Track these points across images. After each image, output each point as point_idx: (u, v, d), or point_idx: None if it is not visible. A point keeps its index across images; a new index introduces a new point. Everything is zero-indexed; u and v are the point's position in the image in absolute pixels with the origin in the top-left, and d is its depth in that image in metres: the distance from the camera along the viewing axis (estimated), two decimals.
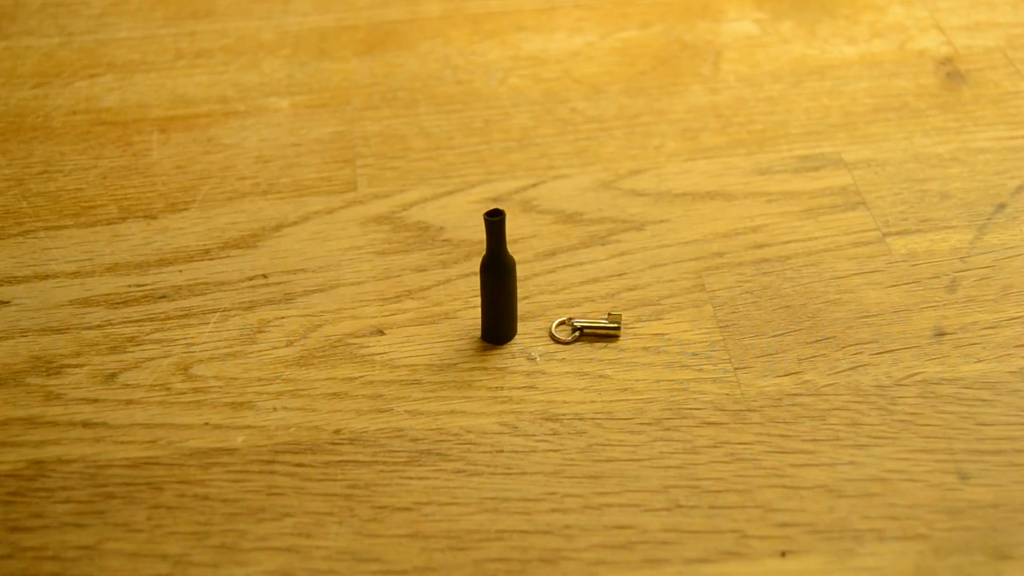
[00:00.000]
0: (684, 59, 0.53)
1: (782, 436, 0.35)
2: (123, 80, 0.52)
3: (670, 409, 0.36)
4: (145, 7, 0.58)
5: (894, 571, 0.31)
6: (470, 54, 0.54)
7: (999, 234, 0.42)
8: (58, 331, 0.40)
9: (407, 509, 0.33)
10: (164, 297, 0.41)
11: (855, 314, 0.39)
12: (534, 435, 0.35)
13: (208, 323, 0.40)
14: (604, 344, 0.38)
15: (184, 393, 0.37)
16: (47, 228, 0.44)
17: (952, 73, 0.51)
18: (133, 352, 0.39)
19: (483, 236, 0.36)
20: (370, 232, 0.43)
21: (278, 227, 0.44)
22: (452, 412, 0.36)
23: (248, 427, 0.36)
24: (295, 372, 0.38)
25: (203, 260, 0.42)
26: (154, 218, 0.44)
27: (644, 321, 0.39)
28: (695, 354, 0.38)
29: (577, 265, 0.42)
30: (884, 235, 0.42)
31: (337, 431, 0.36)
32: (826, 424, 0.35)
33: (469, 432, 0.36)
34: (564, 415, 0.36)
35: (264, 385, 0.37)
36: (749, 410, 0.36)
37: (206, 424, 0.36)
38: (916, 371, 0.37)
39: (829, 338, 0.38)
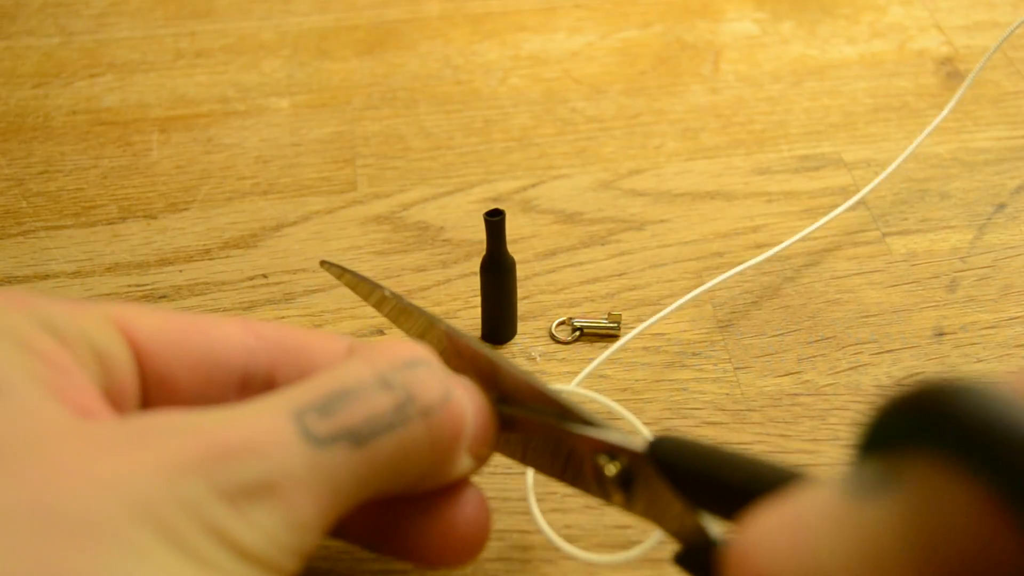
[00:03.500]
0: (684, 59, 0.53)
1: (782, 436, 0.35)
2: (123, 80, 0.52)
3: (670, 409, 0.36)
4: (145, 7, 0.58)
5: None
6: (470, 54, 0.54)
7: (999, 234, 0.42)
8: None
9: None
10: (164, 297, 0.41)
11: (855, 314, 0.39)
12: None
13: None
14: (604, 344, 0.38)
15: None
16: (47, 228, 0.44)
17: (952, 73, 0.51)
18: None
19: (483, 236, 0.36)
20: (370, 232, 0.43)
21: (278, 227, 0.44)
22: None
23: None
24: None
25: (203, 260, 0.42)
26: (154, 218, 0.44)
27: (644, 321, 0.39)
28: (695, 354, 0.38)
29: (577, 265, 0.42)
30: (884, 235, 0.42)
31: None
32: (826, 424, 0.35)
33: None
34: None
35: None
36: (749, 410, 0.36)
37: None
38: (916, 371, 0.37)
39: (829, 338, 0.38)
